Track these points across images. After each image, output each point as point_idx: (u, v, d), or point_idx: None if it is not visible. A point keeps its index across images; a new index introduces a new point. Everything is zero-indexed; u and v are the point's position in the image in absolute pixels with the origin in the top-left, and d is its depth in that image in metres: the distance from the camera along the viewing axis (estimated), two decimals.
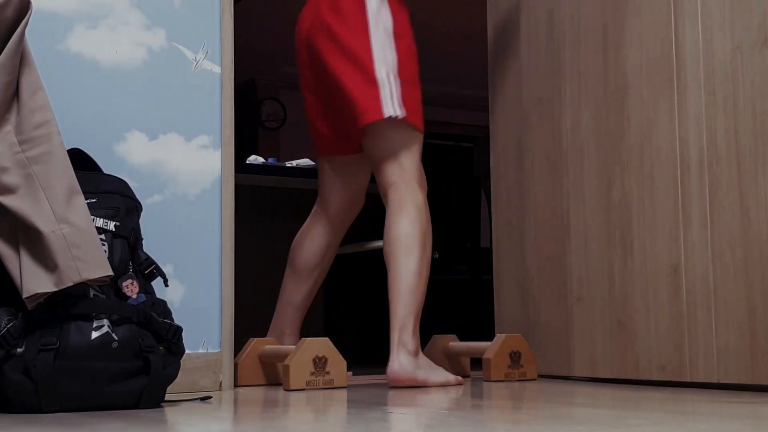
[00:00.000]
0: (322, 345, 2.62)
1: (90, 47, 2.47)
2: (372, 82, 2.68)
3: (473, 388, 2.65)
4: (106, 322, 1.98)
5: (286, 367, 2.58)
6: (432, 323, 4.22)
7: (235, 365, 2.79)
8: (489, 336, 3.16)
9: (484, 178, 3.89)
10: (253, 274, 4.06)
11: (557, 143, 2.99)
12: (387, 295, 2.56)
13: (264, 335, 2.95)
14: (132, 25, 2.53)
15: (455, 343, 3.09)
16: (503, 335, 2.93)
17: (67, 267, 1.92)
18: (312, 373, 2.57)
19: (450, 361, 3.11)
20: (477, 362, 3.17)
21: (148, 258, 2.15)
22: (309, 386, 2.57)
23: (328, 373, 2.60)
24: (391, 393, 2.45)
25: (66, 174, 2.00)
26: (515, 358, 2.92)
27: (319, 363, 2.59)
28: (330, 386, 2.60)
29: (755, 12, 2.40)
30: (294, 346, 2.68)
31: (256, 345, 2.82)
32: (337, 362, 2.62)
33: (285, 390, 2.57)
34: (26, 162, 1.96)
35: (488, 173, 3.36)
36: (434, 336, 3.14)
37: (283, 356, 2.68)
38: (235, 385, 2.76)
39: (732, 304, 2.41)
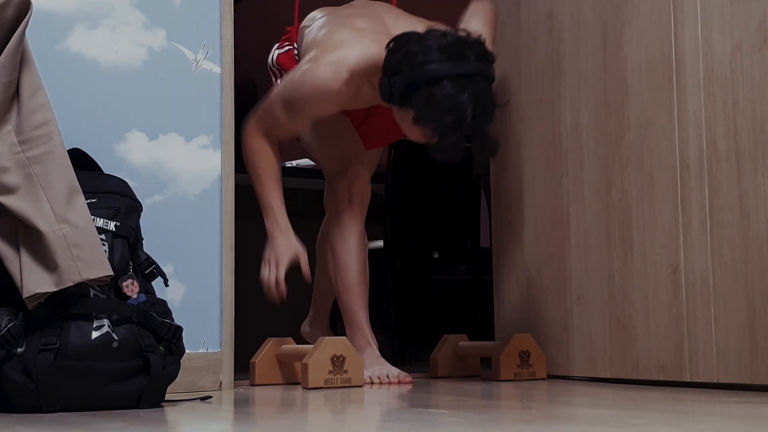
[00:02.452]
0: (340, 344, 2.65)
1: (90, 47, 2.47)
2: None
3: (477, 387, 2.65)
4: (106, 321, 1.98)
5: (305, 366, 2.60)
6: (432, 323, 4.22)
7: (252, 365, 2.80)
8: (489, 336, 3.16)
9: (484, 178, 3.88)
10: (253, 274, 4.05)
11: (557, 143, 2.99)
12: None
13: (264, 335, 2.95)
14: (132, 25, 2.53)
15: (465, 343, 3.09)
16: (513, 334, 2.93)
17: (67, 267, 1.92)
18: (330, 372, 2.60)
19: (460, 361, 3.11)
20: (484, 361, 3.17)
21: (148, 258, 2.15)
22: (327, 384, 2.59)
23: (346, 371, 2.63)
24: (398, 392, 2.46)
25: (66, 174, 2.00)
26: (524, 357, 2.91)
27: (338, 362, 2.61)
28: (348, 385, 2.62)
29: (755, 12, 2.40)
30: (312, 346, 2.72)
31: (273, 345, 2.83)
32: (355, 361, 2.65)
33: (303, 388, 2.58)
34: (26, 162, 1.96)
35: (488, 173, 3.36)
36: (444, 335, 3.14)
37: (300, 356, 2.69)
38: (252, 385, 2.76)
39: (732, 304, 2.41)
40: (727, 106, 2.45)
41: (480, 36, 2.55)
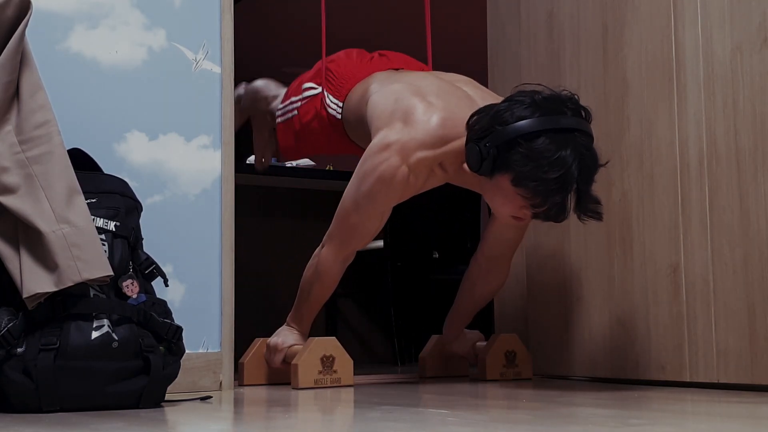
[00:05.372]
0: (329, 344, 2.66)
1: (90, 47, 2.47)
2: None
3: (469, 388, 2.65)
4: (106, 321, 1.98)
5: (295, 366, 2.62)
6: (432, 323, 4.22)
7: (241, 365, 2.80)
8: (489, 336, 3.16)
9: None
10: (253, 275, 4.06)
11: None
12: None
13: (265, 335, 2.95)
14: (132, 25, 2.53)
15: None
16: (499, 335, 2.95)
17: (67, 267, 1.92)
18: (320, 372, 2.62)
19: (447, 361, 3.11)
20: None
21: (148, 258, 2.15)
22: (317, 385, 2.61)
23: (335, 371, 2.65)
24: (393, 392, 2.46)
25: (66, 174, 2.00)
26: (510, 357, 2.93)
27: (327, 362, 2.63)
28: (337, 384, 2.64)
29: (755, 12, 2.40)
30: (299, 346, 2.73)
31: (262, 345, 2.84)
32: (344, 361, 2.66)
33: (293, 388, 2.60)
34: (26, 162, 1.96)
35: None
36: (433, 335, 3.14)
37: (290, 356, 2.70)
38: (240, 385, 2.77)
39: (732, 304, 2.41)
40: (727, 106, 2.45)
41: (574, 94, 2.38)
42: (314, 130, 2.98)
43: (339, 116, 2.87)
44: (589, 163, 2.28)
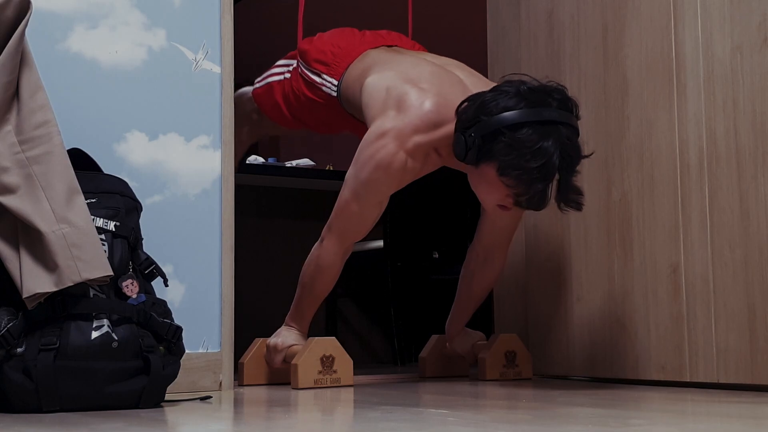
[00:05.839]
0: (329, 344, 2.67)
1: (90, 47, 2.47)
2: None
3: (469, 388, 2.65)
4: (106, 321, 1.98)
5: (295, 367, 2.62)
6: (431, 323, 4.23)
7: (241, 365, 2.80)
8: (489, 336, 3.16)
9: None
10: (253, 274, 4.06)
11: None
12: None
13: (265, 335, 2.95)
14: (132, 25, 2.53)
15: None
16: (499, 335, 2.95)
17: (67, 267, 1.92)
18: (320, 372, 2.62)
19: (447, 361, 3.11)
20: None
21: (148, 258, 2.15)
22: (317, 384, 2.61)
23: (335, 371, 2.65)
24: (393, 392, 2.46)
25: (66, 174, 2.00)
26: (510, 357, 2.93)
27: (327, 362, 2.63)
28: (337, 384, 2.64)
29: (755, 12, 2.40)
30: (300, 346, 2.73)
31: (262, 345, 2.84)
32: (344, 361, 2.67)
33: (293, 389, 2.60)
34: (26, 162, 1.96)
35: None
36: (432, 335, 3.14)
37: (290, 356, 2.71)
38: (240, 385, 2.77)
39: (732, 304, 2.41)
40: (727, 106, 2.45)
41: (561, 84, 2.39)
42: (305, 103, 2.99)
43: (335, 94, 2.87)
44: (572, 153, 2.31)
